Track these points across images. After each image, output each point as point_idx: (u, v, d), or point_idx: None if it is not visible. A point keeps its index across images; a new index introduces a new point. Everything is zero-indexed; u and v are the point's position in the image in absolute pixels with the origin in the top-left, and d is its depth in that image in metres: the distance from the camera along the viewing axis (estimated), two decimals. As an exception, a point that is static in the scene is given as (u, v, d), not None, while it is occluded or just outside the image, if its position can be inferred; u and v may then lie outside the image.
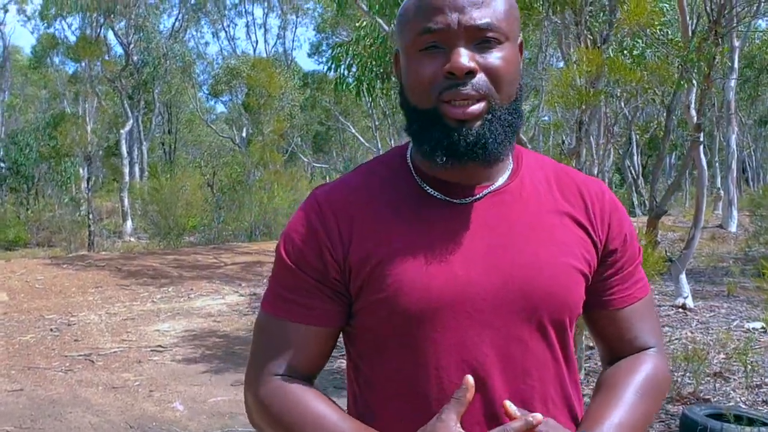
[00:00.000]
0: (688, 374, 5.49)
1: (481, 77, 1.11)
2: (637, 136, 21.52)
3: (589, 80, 5.68)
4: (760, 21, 22.73)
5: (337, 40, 33.72)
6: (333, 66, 8.00)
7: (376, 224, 1.19)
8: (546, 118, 20.07)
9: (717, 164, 22.17)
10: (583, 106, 5.67)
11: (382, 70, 7.80)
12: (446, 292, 1.15)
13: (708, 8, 6.88)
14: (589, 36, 6.70)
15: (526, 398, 1.18)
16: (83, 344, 7.59)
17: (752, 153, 37.74)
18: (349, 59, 7.77)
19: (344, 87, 8.19)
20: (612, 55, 6.28)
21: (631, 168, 23.82)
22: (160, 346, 7.52)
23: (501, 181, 1.23)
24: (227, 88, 29.59)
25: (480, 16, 1.11)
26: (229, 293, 10.86)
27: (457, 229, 1.18)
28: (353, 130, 36.70)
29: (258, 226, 19.76)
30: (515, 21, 1.17)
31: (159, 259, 13.63)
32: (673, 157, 26.70)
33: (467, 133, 1.11)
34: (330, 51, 8.22)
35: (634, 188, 23.60)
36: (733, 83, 17.74)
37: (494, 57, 1.12)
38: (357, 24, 7.89)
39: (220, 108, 42.09)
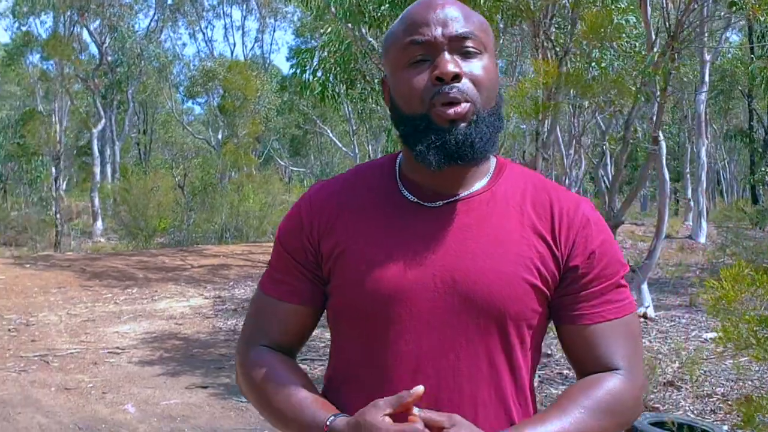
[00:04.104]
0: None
1: (465, 82, 1.23)
2: (610, 147, 21.66)
3: (546, 92, 5.73)
4: (733, 36, 23.02)
5: (315, 44, 33.93)
6: (298, 71, 8.02)
7: (351, 219, 1.34)
8: (523, 127, 20.13)
9: (688, 175, 22.38)
10: (540, 117, 5.73)
11: (346, 76, 7.82)
12: (391, 288, 1.27)
13: (666, 24, 6.97)
14: (552, 48, 6.76)
15: (453, 396, 1.24)
16: (40, 345, 7.54)
17: (726, 165, 38.11)
18: (315, 64, 7.79)
19: (309, 92, 8.22)
20: (572, 68, 6.32)
21: (605, 178, 24.02)
22: (118, 347, 7.48)
23: (474, 189, 1.32)
24: (203, 90, 29.45)
25: (460, 27, 1.25)
26: (193, 296, 10.82)
27: (418, 231, 1.29)
28: (331, 135, 36.68)
29: (228, 229, 19.68)
30: (491, 36, 1.32)
31: (124, 261, 13.55)
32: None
33: (456, 132, 1.22)
34: (295, 56, 8.19)
35: (607, 198, 23.74)
36: (703, 96, 17.88)
37: (476, 65, 1.25)
38: (322, 30, 7.90)
39: (198, 110, 41.92)
